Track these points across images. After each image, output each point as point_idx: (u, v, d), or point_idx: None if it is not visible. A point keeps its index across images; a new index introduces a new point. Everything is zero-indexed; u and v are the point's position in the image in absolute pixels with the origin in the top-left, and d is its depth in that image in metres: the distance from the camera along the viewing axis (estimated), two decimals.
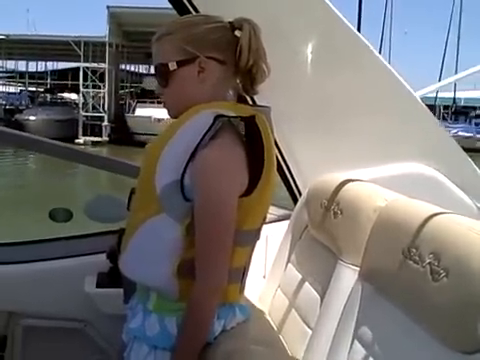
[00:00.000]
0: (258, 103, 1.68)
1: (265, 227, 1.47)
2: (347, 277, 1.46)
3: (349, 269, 1.47)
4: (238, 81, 1.41)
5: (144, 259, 1.36)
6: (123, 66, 34.83)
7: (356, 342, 1.28)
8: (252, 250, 1.44)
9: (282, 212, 2.21)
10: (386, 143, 1.95)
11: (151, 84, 28.88)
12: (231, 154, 1.31)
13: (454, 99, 36.19)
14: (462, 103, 37.99)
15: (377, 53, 1.77)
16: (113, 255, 1.69)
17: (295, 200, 2.15)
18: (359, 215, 1.48)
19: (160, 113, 26.23)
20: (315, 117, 1.96)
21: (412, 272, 1.12)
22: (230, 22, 1.38)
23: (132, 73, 39.49)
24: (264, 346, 1.46)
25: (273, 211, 2.18)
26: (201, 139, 1.27)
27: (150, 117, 26.30)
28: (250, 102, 1.75)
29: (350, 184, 1.62)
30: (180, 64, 1.35)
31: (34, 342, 2.20)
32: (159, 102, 30.63)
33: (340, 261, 1.52)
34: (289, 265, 1.85)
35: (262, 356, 1.40)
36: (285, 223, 2.01)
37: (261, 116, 1.35)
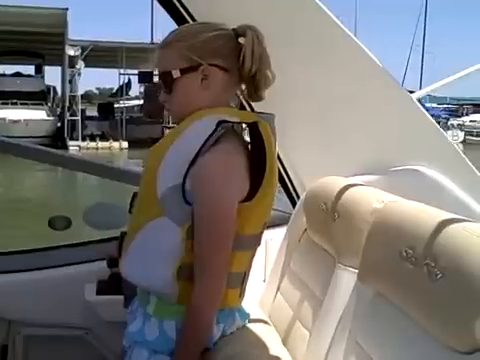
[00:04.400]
0: (255, 106, 1.68)
1: (264, 231, 1.47)
2: (346, 280, 1.46)
3: (347, 272, 1.47)
4: (243, 87, 1.41)
5: (144, 262, 1.37)
6: None
7: (355, 344, 1.28)
8: (252, 255, 1.44)
9: (280, 215, 2.21)
10: (385, 146, 1.94)
11: (4, 84, 27.60)
12: (231, 161, 1.31)
13: None
14: None
15: (373, 57, 1.77)
16: (113, 262, 1.69)
17: (293, 203, 2.15)
18: (356, 217, 1.48)
19: (16, 114, 25.23)
20: (312, 120, 1.96)
21: (409, 273, 1.12)
22: (234, 29, 1.38)
23: None
24: (264, 350, 1.46)
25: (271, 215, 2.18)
26: (202, 145, 1.28)
27: (4, 119, 24.98)
28: (248, 108, 1.75)
29: (348, 187, 1.62)
30: (183, 72, 1.36)
31: (35, 351, 2.19)
32: (14, 103, 26.15)
33: (339, 264, 1.51)
34: (288, 269, 1.85)
35: None
36: (284, 227, 2.00)
37: (264, 123, 1.35)
